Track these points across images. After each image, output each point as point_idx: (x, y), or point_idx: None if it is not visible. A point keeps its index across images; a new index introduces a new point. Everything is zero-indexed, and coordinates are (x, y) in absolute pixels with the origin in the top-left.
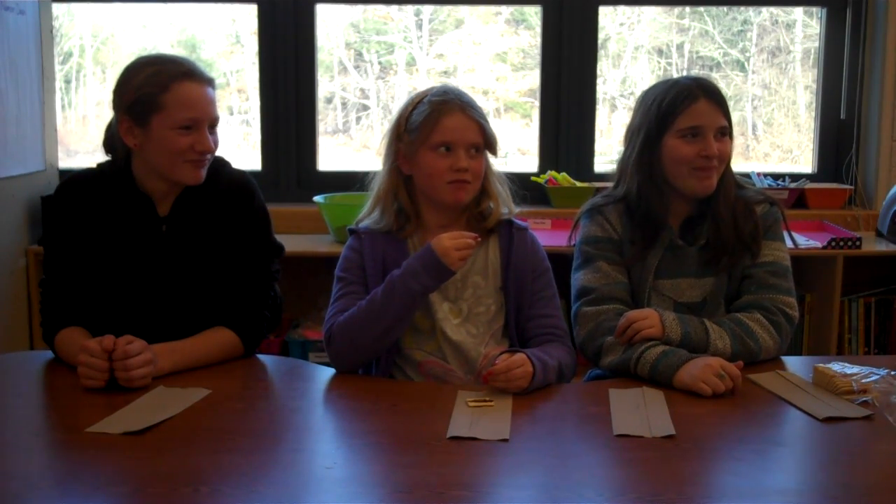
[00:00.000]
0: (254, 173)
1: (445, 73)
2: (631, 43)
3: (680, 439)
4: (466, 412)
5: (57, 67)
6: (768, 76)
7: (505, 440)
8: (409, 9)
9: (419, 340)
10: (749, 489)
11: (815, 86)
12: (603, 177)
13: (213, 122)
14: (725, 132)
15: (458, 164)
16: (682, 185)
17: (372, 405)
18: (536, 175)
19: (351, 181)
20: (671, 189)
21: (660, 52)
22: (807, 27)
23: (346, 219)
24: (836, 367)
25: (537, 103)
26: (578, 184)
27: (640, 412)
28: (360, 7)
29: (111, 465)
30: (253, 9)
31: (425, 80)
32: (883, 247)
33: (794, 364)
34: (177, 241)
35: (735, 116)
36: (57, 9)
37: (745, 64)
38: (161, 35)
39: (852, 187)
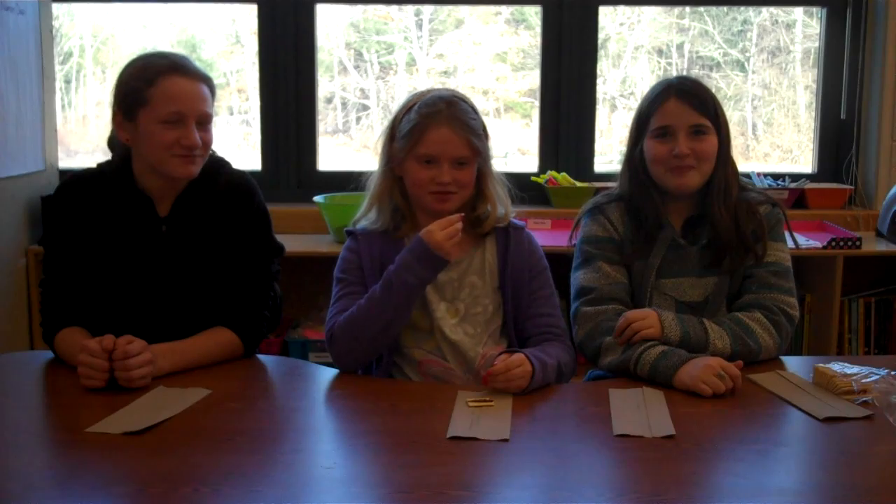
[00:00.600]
0: (254, 173)
1: (445, 73)
2: (631, 43)
3: (680, 439)
4: (466, 412)
5: (57, 67)
6: (768, 76)
7: (505, 440)
8: (409, 9)
9: (418, 339)
10: (749, 489)
11: (815, 86)
12: (603, 177)
13: (202, 118)
14: (701, 130)
15: (440, 177)
16: (663, 183)
17: (372, 405)
18: (536, 175)
19: (351, 181)
20: (657, 188)
21: (660, 52)
22: (807, 27)
23: (345, 219)
24: (836, 367)
25: (537, 103)
26: (578, 184)
27: (640, 412)
28: (360, 7)
29: (111, 465)
30: (253, 9)
31: (425, 80)
32: (883, 247)
33: (794, 364)
34: (177, 242)
35: (735, 116)
36: (57, 9)
37: (745, 64)
38: (161, 35)
39: (852, 187)
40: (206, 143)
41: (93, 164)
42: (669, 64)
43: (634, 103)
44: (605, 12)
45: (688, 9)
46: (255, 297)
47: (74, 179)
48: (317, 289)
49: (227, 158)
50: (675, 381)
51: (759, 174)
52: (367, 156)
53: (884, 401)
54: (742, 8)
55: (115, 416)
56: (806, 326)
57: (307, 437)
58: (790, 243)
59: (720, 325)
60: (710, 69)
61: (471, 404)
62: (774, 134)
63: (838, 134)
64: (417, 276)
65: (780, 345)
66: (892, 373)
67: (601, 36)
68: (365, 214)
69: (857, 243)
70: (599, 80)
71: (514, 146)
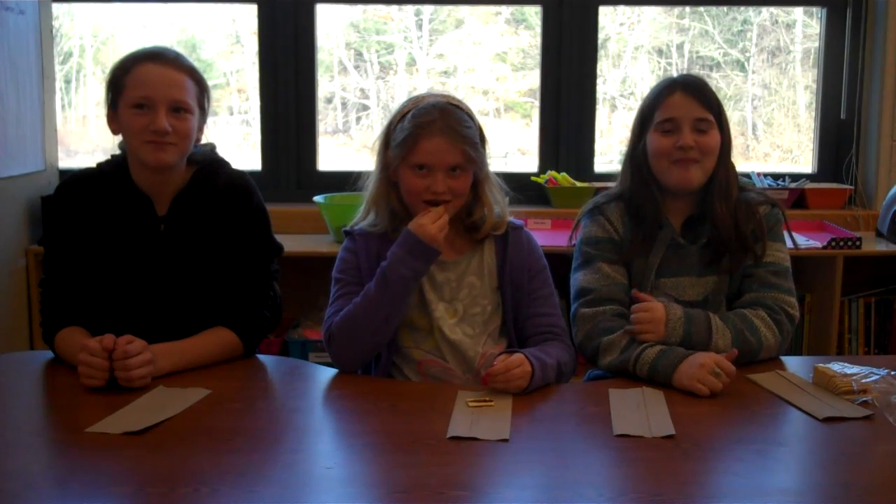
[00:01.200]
0: (254, 173)
1: (445, 73)
2: (631, 43)
3: (680, 439)
4: (466, 412)
5: (57, 67)
6: (768, 76)
7: (505, 440)
8: (409, 9)
9: (417, 339)
10: (749, 489)
11: (815, 86)
12: (603, 177)
13: (175, 105)
14: (706, 125)
15: (434, 186)
16: (665, 179)
17: (371, 405)
18: (536, 175)
19: (351, 181)
20: (658, 185)
21: (660, 52)
22: (807, 27)
23: (345, 219)
24: (836, 367)
25: (537, 103)
26: (578, 184)
27: (640, 412)
28: (360, 7)
29: (111, 465)
30: (253, 9)
31: (425, 80)
32: (883, 247)
33: (794, 364)
34: (175, 241)
35: (735, 116)
36: (57, 9)
37: (745, 64)
38: (161, 35)
39: (852, 187)
40: (180, 131)
41: (93, 164)
42: (669, 64)
43: (634, 103)
44: (605, 12)
45: (688, 9)
46: (255, 296)
47: (73, 179)
48: (317, 289)
49: (227, 158)
50: (674, 381)
51: (759, 174)
52: (367, 156)
53: (884, 401)
54: (742, 8)
55: (115, 416)
56: (806, 326)
57: (307, 437)
58: (789, 244)
59: (725, 321)
60: (710, 69)
61: (470, 404)
62: (774, 134)
63: (838, 134)
64: (411, 268)
65: (781, 344)
66: (892, 373)
67: (601, 36)
68: (363, 218)
69: (857, 243)
70: (599, 80)
71: (514, 146)
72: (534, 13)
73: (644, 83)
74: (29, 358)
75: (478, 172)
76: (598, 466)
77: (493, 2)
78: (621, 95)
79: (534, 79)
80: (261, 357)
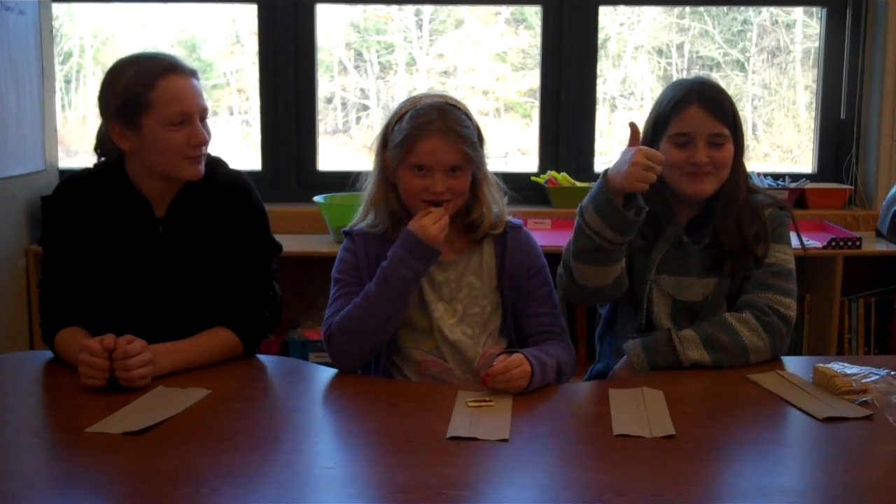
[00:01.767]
0: (254, 173)
1: (445, 73)
2: (631, 43)
3: (680, 439)
4: (466, 412)
5: (57, 67)
6: (768, 76)
7: (505, 440)
8: (409, 9)
9: (417, 340)
10: (749, 489)
11: (815, 86)
12: None
13: (203, 114)
14: (721, 139)
15: (433, 187)
16: (677, 188)
17: (371, 405)
18: (536, 175)
19: (351, 181)
20: (669, 190)
21: (660, 52)
22: (807, 27)
23: (345, 219)
24: (836, 367)
25: (537, 103)
26: (578, 184)
27: (640, 412)
28: (360, 7)
29: (111, 465)
30: (253, 9)
31: (425, 80)
32: (883, 247)
33: (794, 364)
34: (174, 242)
35: None
36: (57, 9)
37: (745, 64)
38: (161, 35)
39: (852, 187)
40: (209, 137)
41: (92, 164)
42: (669, 64)
43: (635, 103)
44: (605, 12)
45: (688, 9)
46: (254, 296)
47: (73, 179)
48: (317, 289)
49: (227, 158)
50: (611, 186)
51: (759, 174)
52: (367, 156)
53: (884, 401)
54: (742, 8)
55: (115, 416)
56: (806, 326)
57: (306, 437)
58: (796, 244)
59: (695, 328)
60: (710, 69)
61: (470, 404)
62: (774, 134)
63: (838, 134)
64: (412, 268)
65: (773, 345)
66: (892, 373)
67: (601, 36)
68: (362, 219)
69: (857, 243)
70: (599, 80)
71: (514, 146)
72: (534, 13)
73: (644, 83)
74: (29, 358)
75: (476, 172)
76: (598, 466)
77: (493, 2)
78: (621, 95)
79: (534, 79)
80: (261, 357)
